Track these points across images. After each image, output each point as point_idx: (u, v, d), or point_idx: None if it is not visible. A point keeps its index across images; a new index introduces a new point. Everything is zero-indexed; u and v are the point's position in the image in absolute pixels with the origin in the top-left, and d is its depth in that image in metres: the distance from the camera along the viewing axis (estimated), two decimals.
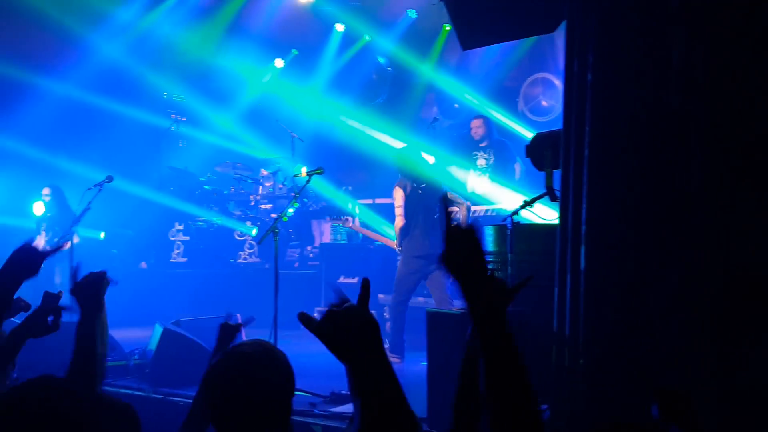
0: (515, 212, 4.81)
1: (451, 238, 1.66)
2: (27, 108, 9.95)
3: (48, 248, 2.50)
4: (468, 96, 10.54)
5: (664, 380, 3.44)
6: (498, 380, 1.54)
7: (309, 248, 10.28)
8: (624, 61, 3.84)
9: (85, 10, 9.94)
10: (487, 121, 9.00)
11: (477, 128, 8.89)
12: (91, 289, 2.60)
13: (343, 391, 5.51)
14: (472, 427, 1.98)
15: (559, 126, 4.19)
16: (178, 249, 10.34)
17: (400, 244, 7.01)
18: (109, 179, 7.69)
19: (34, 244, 2.49)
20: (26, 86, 9.90)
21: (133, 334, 7.69)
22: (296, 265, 10.08)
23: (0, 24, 9.56)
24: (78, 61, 10.31)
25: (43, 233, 9.00)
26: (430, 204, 6.83)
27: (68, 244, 8.62)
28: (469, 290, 1.61)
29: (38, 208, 9.23)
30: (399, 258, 7.15)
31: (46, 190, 9.19)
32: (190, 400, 3.13)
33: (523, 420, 1.52)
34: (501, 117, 10.06)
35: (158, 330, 6.52)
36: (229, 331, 3.23)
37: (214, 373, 2.02)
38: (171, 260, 10.35)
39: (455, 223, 1.68)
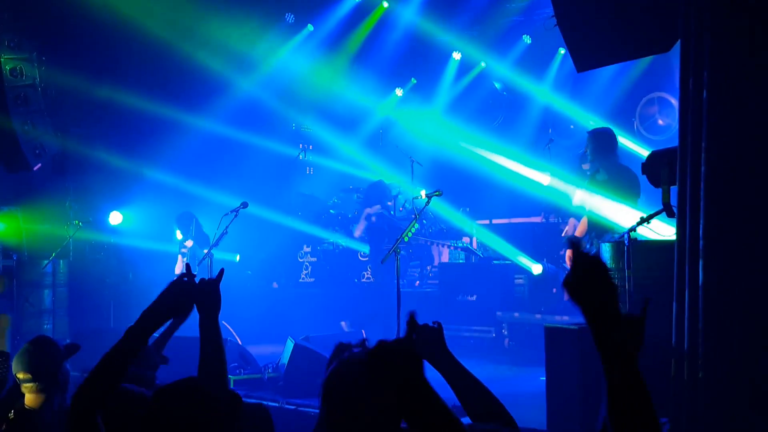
0: (632, 229, 4.87)
1: (578, 266, 1.59)
2: (169, 140, 10.73)
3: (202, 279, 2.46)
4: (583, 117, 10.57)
5: None
6: (626, 416, 1.54)
7: (429, 267, 10.56)
8: (739, 78, 3.90)
9: (225, 50, 10.67)
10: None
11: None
12: (209, 290, 2.66)
13: (458, 405, 5.67)
14: None
15: (675, 144, 4.25)
16: (306, 270, 10.92)
17: None
18: (244, 205, 8.07)
19: (187, 278, 2.46)
20: (168, 120, 10.66)
21: (267, 349, 8.19)
22: (417, 283, 10.38)
23: (146, 63, 10.40)
24: (215, 95, 11.10)
25: (180, 257, 9.61)
26: None
27: (189, 243, 9.24)
28: (599, 330, 1.57)
29: (180, 234, 9.92)
30: None
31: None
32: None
33: None
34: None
35: (290, 345, 6.92)
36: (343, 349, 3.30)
37: (329, 380, 2.11)
38: (300, 280, 10.93)
39: (582, 250, 1.61)
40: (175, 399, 2.09)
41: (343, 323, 9.37)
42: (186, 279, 2.46)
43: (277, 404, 6.24)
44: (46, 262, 9.52)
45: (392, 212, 9.62)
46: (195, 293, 2.53)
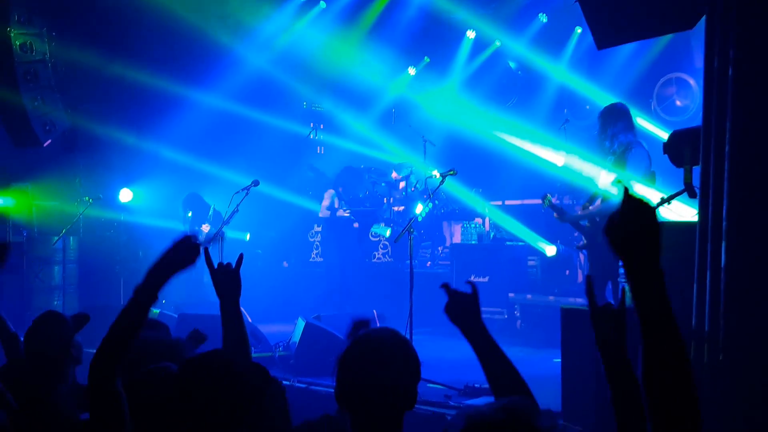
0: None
1: (627, 210, 1.51)
2: (180, 118, 10.63)
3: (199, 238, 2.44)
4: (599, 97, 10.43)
5: None
6: (656, 339, 1.50)
7: (440, 248, 10.49)
8: (766, 55, 3.79)
9: (235, 23, 10.57)
10: None
11: None
12: (228, 274, 2.73)
13: (476, 385, 5.65)
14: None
15: (693, 125, 4.15)
16: (316, 249, 10.86)
17: None
18: (256, 183, 8.00)
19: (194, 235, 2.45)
20: (179, 98, 10.57)
21: (278, 328, 8.16)
22: (428, 264, 10.32)
23: (157, 39, 10.30)
24: (226, 72, 10.96)
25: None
26: None
27: (206, 227, 9.24)
28: (638, 279, 1.51)
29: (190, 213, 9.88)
30: None
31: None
32: (331, 389, 3.36)
33: (682, 375, 1.51)
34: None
35: (301, 324, 6.90)
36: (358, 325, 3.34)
37: (345, 356, 2.14)
38: (310, 260, 10.88)
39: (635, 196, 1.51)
40: (203, 371, 2.10)
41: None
42: (189, 236, 2.41)
43: (288, 382, 6.23)
44: (56, 238, 9.53)
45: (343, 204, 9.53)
46: (196, 247, 2.43)
